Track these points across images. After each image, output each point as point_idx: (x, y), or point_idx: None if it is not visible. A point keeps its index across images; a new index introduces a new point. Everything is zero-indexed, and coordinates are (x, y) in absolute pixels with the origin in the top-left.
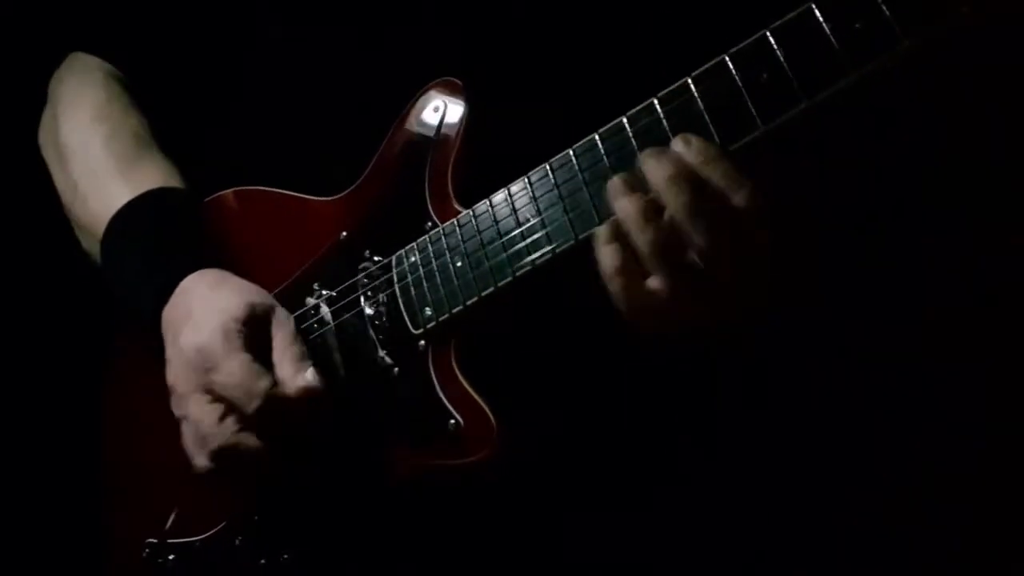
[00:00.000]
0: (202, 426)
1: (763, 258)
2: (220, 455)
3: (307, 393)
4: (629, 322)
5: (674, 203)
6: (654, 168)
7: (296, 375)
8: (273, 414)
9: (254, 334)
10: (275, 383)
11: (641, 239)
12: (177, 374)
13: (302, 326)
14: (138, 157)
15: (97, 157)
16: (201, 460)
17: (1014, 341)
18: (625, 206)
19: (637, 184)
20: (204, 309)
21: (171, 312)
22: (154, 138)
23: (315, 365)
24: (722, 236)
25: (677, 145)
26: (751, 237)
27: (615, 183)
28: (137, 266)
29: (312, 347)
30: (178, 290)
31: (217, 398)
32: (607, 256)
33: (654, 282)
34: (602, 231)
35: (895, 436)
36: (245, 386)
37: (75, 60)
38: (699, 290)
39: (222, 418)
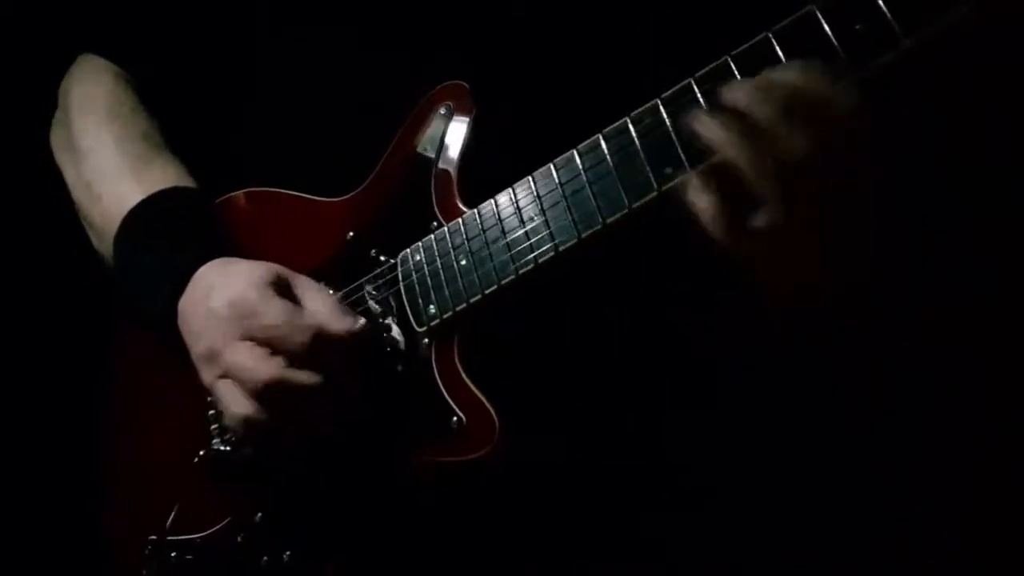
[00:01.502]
0: (246, 370)
1: (867, 172)
2: (268, 391)
3: (352, 333)
4: (743, 270)
5: (768, 109)
6: (738, 90)
7: (338, 317)
8: (322, 347)
9: (282, 292)
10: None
11: (742, 158)
12: (213, 335)
13: None
14: (150, 157)
15: (110, 157)
16: (243, 407)
17: (1014, 341)
18: (718, 131)
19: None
20: (227, 277)
21: (188, 299)
22: (164, 139)
23: None
24: (823, 132)
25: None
26: (853, 140)
27: (703, 117)
28: (151, 262)
29: None
30: (193, 279)
31: (260, 342)
32: (703, 199)
33: (759, 219)
34: (694, 178)
35: (896, 437)
36: (290, 322)
37: (85, 62)
38: (806, 214)
39: (270, 356)
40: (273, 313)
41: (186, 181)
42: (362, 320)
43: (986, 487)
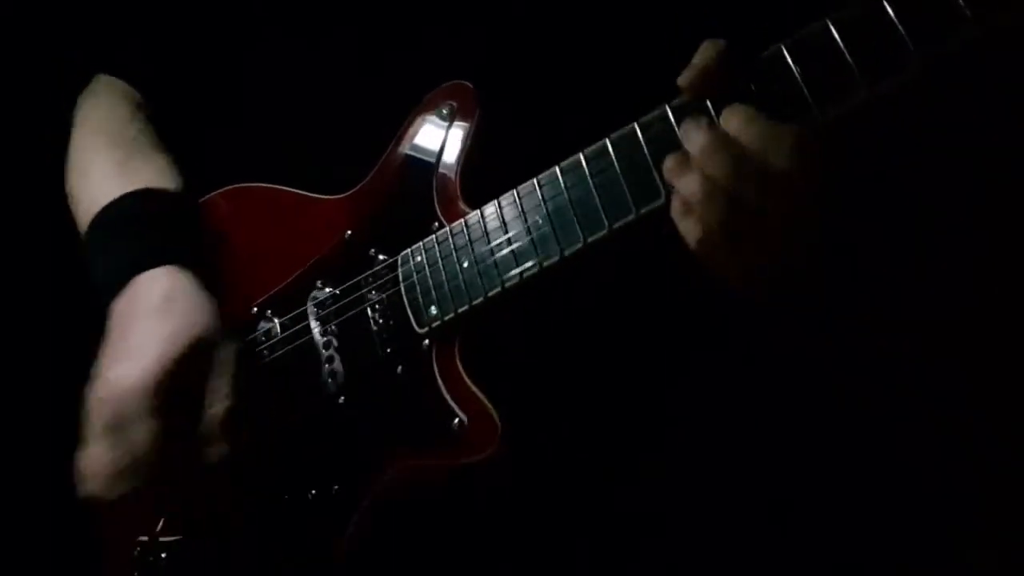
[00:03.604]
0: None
1: (811, 207)
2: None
3: (225, 427)
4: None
5: (716, 172)
6: (694, 138)
7: (216, 406)
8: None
9: (189, 371)
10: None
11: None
12: (95, 402)
13: (302, 324)
14: (128, 159)
15: (92, 163)
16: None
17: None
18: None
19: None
20: (144, 336)
21: (119, 305)
22: (156, 141)
23: (315, 364)
24: (763, 194)
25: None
26: (792, 191)
27: (669, 164)
28: (103, 262)
29: (314, 345)
30: (131, 284)
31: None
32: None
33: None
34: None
35: (897, 438)
36: (144, 459)
37: (96, 82)
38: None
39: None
40: (134, 436)
41: (165, 180)
42: (226, 449)
43: (985, 488)
